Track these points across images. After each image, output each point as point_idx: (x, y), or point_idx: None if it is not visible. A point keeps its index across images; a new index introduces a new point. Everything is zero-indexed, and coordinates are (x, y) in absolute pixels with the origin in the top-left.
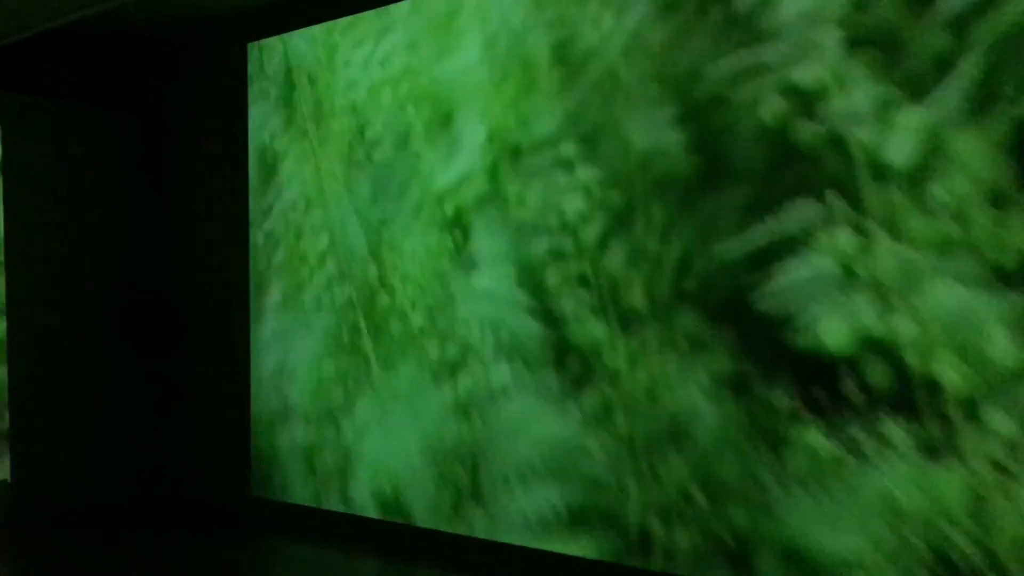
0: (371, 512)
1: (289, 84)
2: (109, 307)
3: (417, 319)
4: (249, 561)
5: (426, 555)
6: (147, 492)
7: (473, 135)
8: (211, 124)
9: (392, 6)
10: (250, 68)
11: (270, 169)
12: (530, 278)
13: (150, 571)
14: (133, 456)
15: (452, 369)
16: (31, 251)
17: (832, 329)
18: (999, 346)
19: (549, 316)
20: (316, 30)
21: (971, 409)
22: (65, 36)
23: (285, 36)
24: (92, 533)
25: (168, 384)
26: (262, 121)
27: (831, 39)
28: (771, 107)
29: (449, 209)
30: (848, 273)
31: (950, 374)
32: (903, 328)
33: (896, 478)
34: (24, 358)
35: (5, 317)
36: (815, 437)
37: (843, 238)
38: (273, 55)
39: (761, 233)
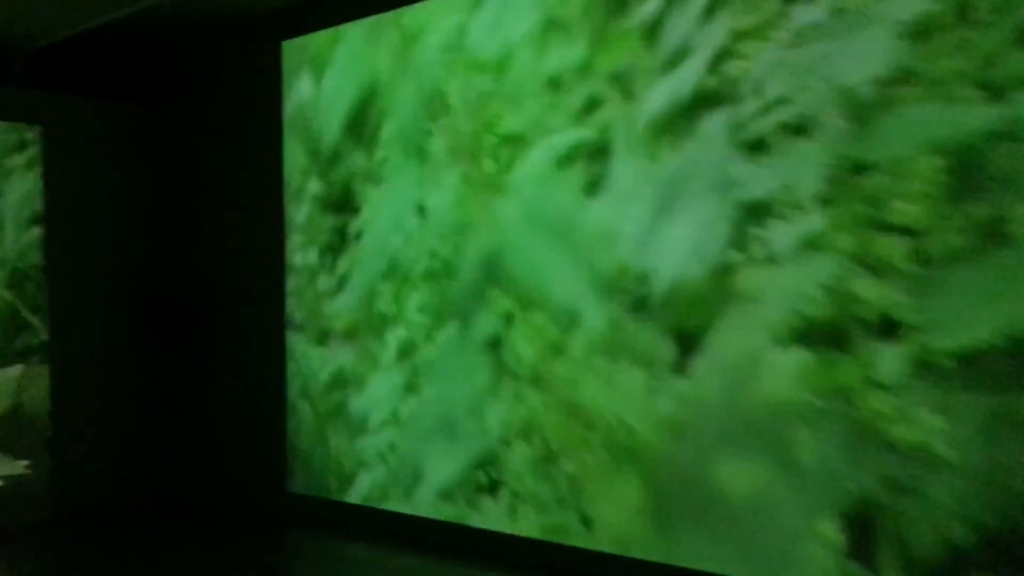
0: None
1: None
2: (145, 306)
3: None
4: (285, 557)
5: (464, 551)
6: (185, 489)
7: None
8: (246, 123)
9: None
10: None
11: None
12: None
13: (187, 567)
14: (171, 453)
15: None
16: (70, 249)
17: None
18: None
19: None
20: None
21: None
22: (101, 37)
23: None
24: (129, 529)
25: (205, 382)
26: None
27: None
28: None
29: None
30: None
31: None
32: None
33: None
34: (63, 356)
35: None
36: None
37: None
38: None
39: None
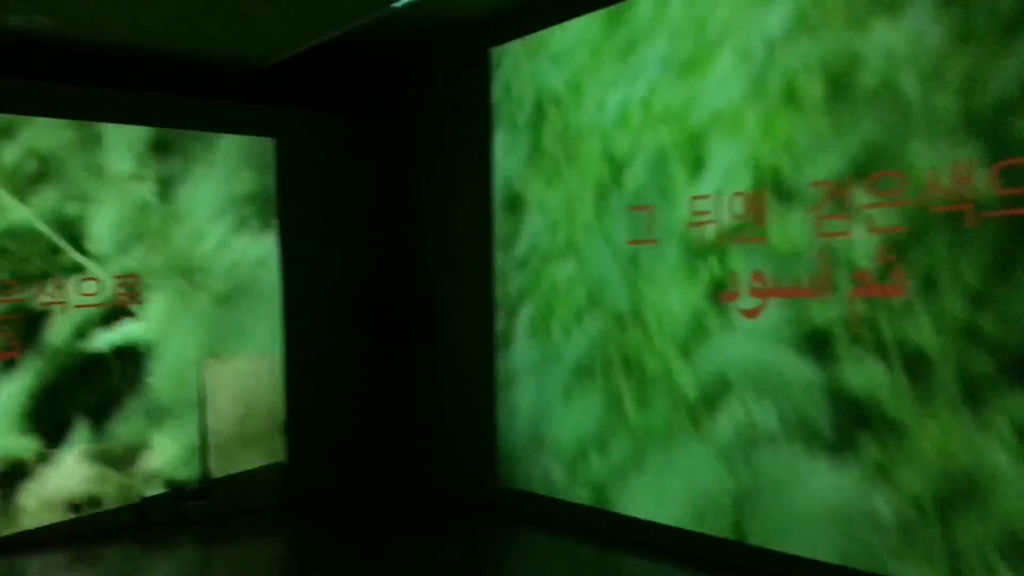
0: None
1: (537, 111)
2: (370, 305)
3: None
4: (495, 548)
5: (670, 552)
6: (404, 478)
7: (728, 163)
8: (457, 129)
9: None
10: (496, 94)
11: (516, 199)
12: (798, 314)
13: (405, 552)
14: (392, 444)
15: (710, 408)
16: (301, 253)
17: None
18: None
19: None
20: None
21: None
22: (327, 53)
23: (532, 64)
24: (353, 513)
25: (423, 379)
26: (509, 145)
27: None
28: None
29: (705, 238)
30: None
31: None
32: None
33: None
34: (297, 353)
35: (283, 315)
36: None
37: None
38: (520, 81)
39: None
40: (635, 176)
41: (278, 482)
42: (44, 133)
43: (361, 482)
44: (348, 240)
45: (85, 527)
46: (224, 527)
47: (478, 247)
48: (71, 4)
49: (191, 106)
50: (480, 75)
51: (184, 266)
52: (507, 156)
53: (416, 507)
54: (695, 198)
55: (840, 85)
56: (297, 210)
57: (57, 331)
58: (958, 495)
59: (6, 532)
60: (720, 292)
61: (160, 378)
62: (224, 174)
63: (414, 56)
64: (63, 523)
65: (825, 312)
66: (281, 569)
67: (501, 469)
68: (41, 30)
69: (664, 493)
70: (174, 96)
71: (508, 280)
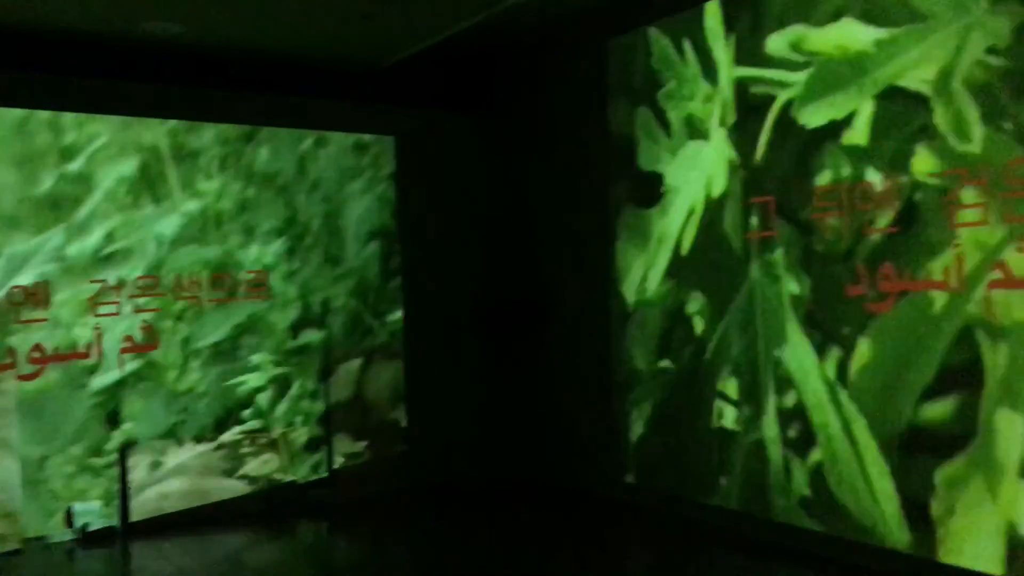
0: None
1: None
2: (489, 299)
3: None
4: (619, 546)
5: (789, 553)
6: (530, 471)
7: None
8: (575, 124)
9: None
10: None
11: None
12: None
13: (527, 545)
14: (516, 437)
15: None
16: (421, 248)
17: None
18: None
19: None
20: None
21: None
22: (443, 52)
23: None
24: (474, 504)
25: (543, 374)
26: None
27: None
28: None
29: None
30: None
31: None
32: None
33: None
34: (417, 346)
35: (402, 309)
36: None
37: None
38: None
39: None
40: None
41: (401, 472)
42: None
43: (483, 473)
44: (467, 234)
45: (212, 513)
46: (349, 515)
47: (597, 240)
48: (201, 10)
49: (314, 106)
50: (598, 66)
51: None
52: None
53: (541, 501)
54: None
55: None
56: (416, 206)
57: None
58: None
59: (137, 518)
60: None
61: None
62: None
63: (531, 50)
64: (189, 510)
65: None
66: (405, 558)
67: (628, 464)
68: (173, 36)
69: None
70: (298, 97)
71: None
